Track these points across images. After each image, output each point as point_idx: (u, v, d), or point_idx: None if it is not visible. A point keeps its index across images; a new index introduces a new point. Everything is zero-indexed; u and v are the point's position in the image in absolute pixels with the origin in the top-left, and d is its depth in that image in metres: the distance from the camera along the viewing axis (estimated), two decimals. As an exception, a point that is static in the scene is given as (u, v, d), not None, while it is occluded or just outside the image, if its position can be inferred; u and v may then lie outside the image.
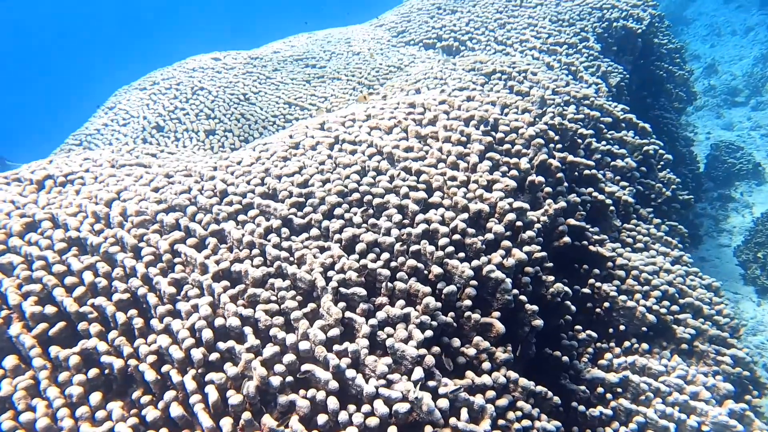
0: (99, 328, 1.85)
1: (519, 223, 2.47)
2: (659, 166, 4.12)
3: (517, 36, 5.09)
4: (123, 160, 2.84)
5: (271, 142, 2.90)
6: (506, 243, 2.33)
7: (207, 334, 1.79)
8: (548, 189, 2.78)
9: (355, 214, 2.31)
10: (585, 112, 3.74)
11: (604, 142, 3.70)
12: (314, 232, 2.23)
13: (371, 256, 2.15)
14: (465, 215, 2.34)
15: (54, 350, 1.80)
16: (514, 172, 2.70)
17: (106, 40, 39.00)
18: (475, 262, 2.22)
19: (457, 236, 2.28)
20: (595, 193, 3.29)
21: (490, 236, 2.33)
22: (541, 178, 2.70)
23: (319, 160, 2.62)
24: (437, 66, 4.16)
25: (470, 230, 2.30)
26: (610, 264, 2.96)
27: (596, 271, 2.92)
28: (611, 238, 3.32)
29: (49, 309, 1.88)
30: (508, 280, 2.22)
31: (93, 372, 1.76)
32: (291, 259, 2.10)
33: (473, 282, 2.17)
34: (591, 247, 2.93)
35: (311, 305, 1.96)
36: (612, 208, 3.30)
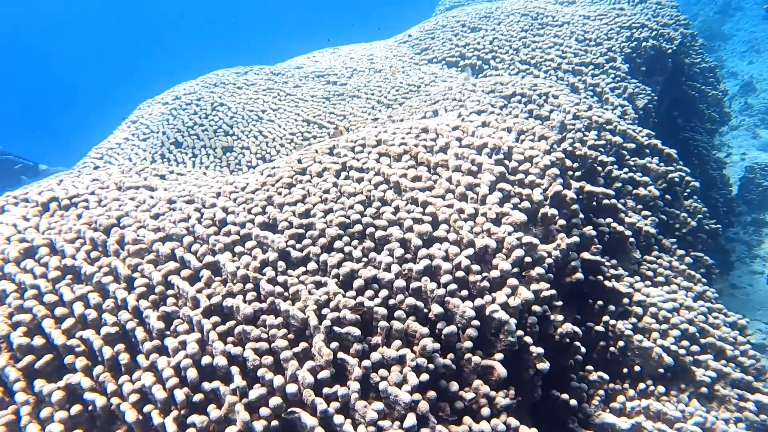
0: (85, 362, 1.82)
1: (528, 259, 2.37)
2: (685, 194, 3.96)
3: (542, 55, 4.98)
4: (130, 181, 2.83)
5: (279, 166, 2.86)
6: (512, 281, 2.23)
7: (192, 373, 1.74)
8: (562, 222, 2.67)
9: (355, 247, 2.24)
10: (607, 138, 3.62)
11: (626, 170, 3.57)
12: (312, 266, 2.17)
13: (369, 293, 2.08)
14: (470, 251, 2.25)
15: (38, 384, 1.77)
16: (525, 204, 2.60)
17: (143, 51, 39.96)
18: (478, 301, 2.13)
19: (460, 273, 2.19)
20: (614, 224, 3.17)
21: (495, 273, 2.23)
22: (554, 211, 2.60)
23: (324, 188, 2.56)
24: (456, 87, 4.08)
25: (475, 267, 2.21)
26: (626, 300, 2.83)
27: (611, 307, 2.79)
28: (630, 271, 3.19)
29: (38, 341, 1.85)
30: (512, 321, 2.12)
31: (76, 408, 1.72)
32: (285, 294, 2.04)
33: (475, 322, 2.08)
34: (606, 282, 2.81)
35: (303, 344, 1.90)
36: (632, 239, 3.17)
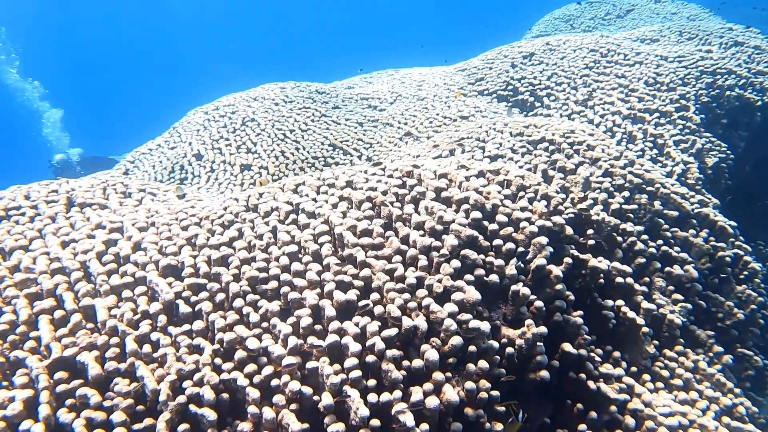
0: None
1: (472, 349, 1.95)
2: (741, 276, 3.31)
3: (601, 97, 4.43)
4: (83, 197, 2.67)
5: (237, 197, 2.60)
6: (438, 376, 1.83)
7: (-1, 443, 1.49)
8: (539, 303, 2.21)
9: (257, 310, 1.92)
10: (640, 202, 3.07)
11: (660, 242, 3.01)
12: (199, 324, 1.87)
13: (251, 367, 1.75)
14: (393, 331, 1.87)
15: None
16: (494, 278, 2.18)
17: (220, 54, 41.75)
18: (385, 396, 1.74)
19: (371, 358, 1.81)
20: (624, 309, 2.64)
21: (418, 363, 1.83)
22: (526, 291, 2.15)
23: (260, 232, 2.26)
24: (486, 125, 3.66)
25: (391, 352, 1.82)
26: (614, 407, 2.31)
27: (592, 414, 2.28)
28: (640, 367, 2.64)
29: None
30: (423, 428, 1.72)
31: None
32: (154, 356, 1.76)
33: (374, 423, 1.70)
34: (590, 383, 2.30)
35: (148, 421, 1.60)
36: (645, 329, 2.63)
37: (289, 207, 2.43)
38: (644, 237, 2.95)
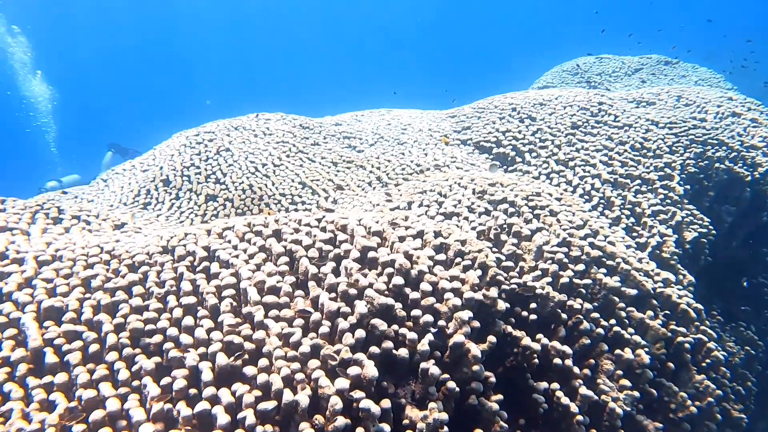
0: None
1: (359, 431, 1.78)
2: (703, 365, 3.10)
3: (584, 158, 4.28)
4: (7, 221, 2.57)
5: (161, 235, 2.48)
6: (310, 462, 1.66)
7: None
8: (451, 385, 2.04)
9: (129, 365, 1.78)
10: (596, 277, 2.89)
11: (614, 321, 2.82)
12: (62, 378, 1.73)
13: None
14: (270, 404, 1.71)
15: None
16: (403, 353, 2.02)
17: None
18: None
19: (239, 435, 1.65)
20: (558, 393, 2.45)
21: (290, 446, 1.67)
22: (435, 371, 1.98)
23: (165, 278, 2.13)
24: (452, 179, 3.53)
25: (262, 429, 1.66)
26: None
27: None
28: (570, 459, 2.44)
29: None
30: None
31: None
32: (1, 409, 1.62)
33: None
34: (500, 478, 2.11)
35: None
36: (579, 417, 2.43)
37: (204, 253, 2.30)
38: (594, 315, 2.77)
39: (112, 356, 1.78)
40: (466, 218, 3.09)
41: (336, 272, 2.26)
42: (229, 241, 2.41)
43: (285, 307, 2.06)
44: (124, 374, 1.74)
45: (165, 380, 1.76)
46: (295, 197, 4.22)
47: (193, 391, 1.76)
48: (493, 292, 2.32)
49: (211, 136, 4.92)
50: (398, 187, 3.89)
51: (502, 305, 2.33)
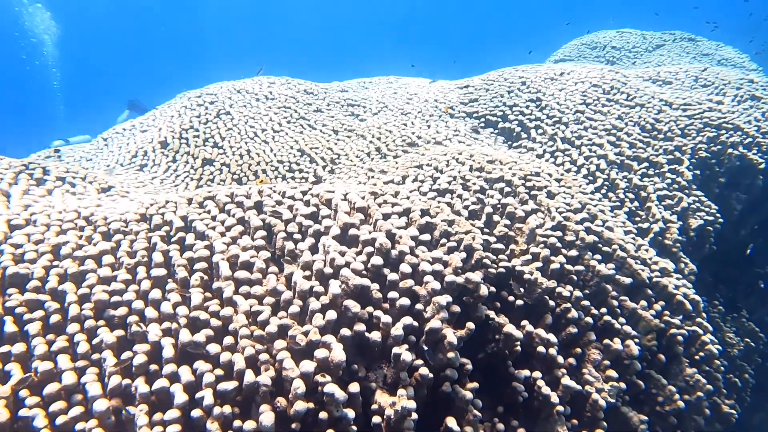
0: None
1: (322, 416, 1.74)
2: (696, 358, 3.03)
3: (591, 137, 4.14)
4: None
5: (145, 201, 2.41)
6: (268, 446, 1.62)
7: None
8: (424, 371, 1.99)
9: (88, 337, 1.73)
10: (589, 264, 2.80)
11: (605, 310, 2.74)
12: (20, 348, 1.69)
13: (58, 405, 1.57)
14: (230, 385, 1.67)
15: None
16: (375, 336, 1.96)
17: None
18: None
19: (198, 413, 1.61)
20: (540, 383, 2.39)
21: (249, 427, 1.63)
22: (408, 356, 1.92)
23: (137, 247, 2.08)
24: (451, 154, 3.42)
25: (219, 410, 1.62)
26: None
27: (469, 502, 2.04)
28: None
29: None
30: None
31: None
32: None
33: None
34: (472, 466, 2.06)
35: None
36: (559, 408, 2.37)
37: (181, 223, 2.24)
38: (585, 303, 2.69)
39: (73, 328, 1.74)
40: (459, 196, 3.00)
41: (314, 249, 2.20)
42: (209, 212, 2.35)
43: (257, 284, 2.01)
44: (83, 347, 1.70)
45: (126, 354, 1.71)
46: (292, 165, 4.14)
47: (154, 367, 1.72)
48: (477, 276, 2.24)
49: (213, 98, 4.83)
50: (396, 159, 3.79)
51: (484, 290, 2.26)
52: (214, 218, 2.30)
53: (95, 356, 1.72)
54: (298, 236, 2.24)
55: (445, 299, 2.06)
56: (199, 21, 41.74)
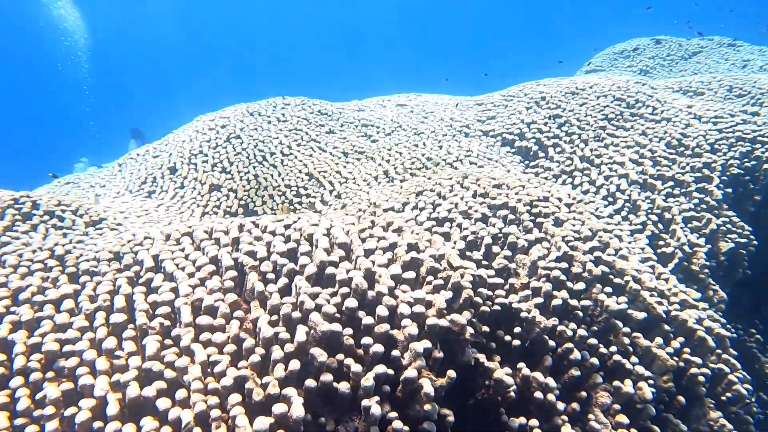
0: None
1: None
2: (723, 399, 2.77)
3: (611, 155, 3.91)
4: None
5: (123, 238, 2.34)
6: None
7: None
8: (397, 425, 1.83)
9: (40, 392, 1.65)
10: (597, 298, 2.59)
11: (614, 349, 2.52)
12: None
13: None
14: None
15: None
16: (344, 387, 1.81)
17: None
18: None
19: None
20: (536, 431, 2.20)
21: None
22: (376, 409, 1.77)
23: (100, 291, 1.99)
24: (455, 179, 3.27)
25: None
26: None
27: None
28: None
29: None
30: None
31: None
32: None
33: None
34: None
35: None
36: (558, 461, 2.17)
37: (152, 263, 2.15)
38: (592, 341, 2.48)
39: (16, 382, 1.66)
40: (459, 225, 2.83)
41: (286, 290, 2.07)
42: (183, 249, 2.26)
43: (219, 330, 1.89)
44: (24, 403, 1.61)
45: (69, 411, 1.62)
46: (300, 189, 4.05)
47: (98, 424, 1.62)
48: (462, 317, 2.08)
49: (225, 121, 4.79)
50: (402, 183, 3.65)
51: (470, 332, 2.09)
52: (187, 257, 2.20)
53: (37, 412, 1.63)
54: (271, 276, 2.12)
55: (422, 345, 1.90)
56: (251, 40, 42.65)
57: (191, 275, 2.08)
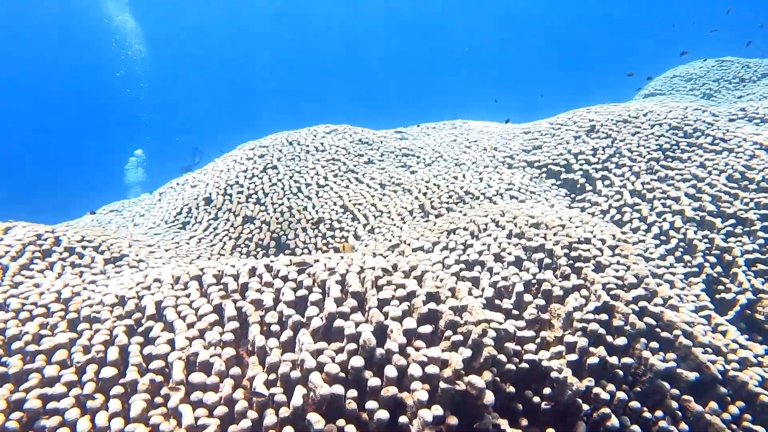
0: None
1: None
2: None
3: (665, 190, 3.62)
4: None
5: (124, 283, 2.27)
6: None
7: None
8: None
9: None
10: (640, 354, 2.33)
11: (660, 413, 2.25)
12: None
13: None
14: None
15: None
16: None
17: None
18: None
19: None
20: None
21: None
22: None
23: (97, 340, 1.91)
24: (492, 216, 3.07)
25: None
26: None
27: None
28: None
29: None
30: None
31: None
32: None
33: None
34: None
35: None
36: None
37: (153, 311, 2.06)
38: (634, 405, 2.22)
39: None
40: (490, 269, 2.63)
41: (289, 345, 1.93)
42: (188, 295, 2.15)
43: (212, 390, 1.76)
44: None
45: (45, 478, 1.52)
46: (334, 222, 3.93)
47: (73, 493, 1.51)
48: (480, 380, 1.87)
49: (263, 151, 4.75)
50: (437, 219, 3.47)
51: (490, 397, 1.88)
52: (191, 304, 2.09)
53: (13, 478, 1.53)
54: (276, 328, 1.99)
55: (430, 414, 1.71)
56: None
57: (191, 325, 1.97)
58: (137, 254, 2.96)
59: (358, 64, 45.16)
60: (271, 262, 2.40)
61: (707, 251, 3.28)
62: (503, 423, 2.00)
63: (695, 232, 3.36)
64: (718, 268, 3.23)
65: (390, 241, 3.28)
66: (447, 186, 3.93)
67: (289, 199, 4.15)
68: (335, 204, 4.08)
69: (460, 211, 3.46)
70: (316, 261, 2.42)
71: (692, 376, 2.34)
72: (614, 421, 2.12)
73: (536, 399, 2.15)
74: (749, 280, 3.15)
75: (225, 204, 4.20)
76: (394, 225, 3.65)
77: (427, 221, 3.51)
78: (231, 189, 4.32)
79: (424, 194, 3.92)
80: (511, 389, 2.13)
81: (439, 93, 40.05)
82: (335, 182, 4.31)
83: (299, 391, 1.71)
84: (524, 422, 2.09)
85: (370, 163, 4.64)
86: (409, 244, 3.04)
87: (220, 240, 3.90)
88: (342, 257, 2.55)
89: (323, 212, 3.99)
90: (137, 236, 3.63)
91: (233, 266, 2.32)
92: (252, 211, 4.10)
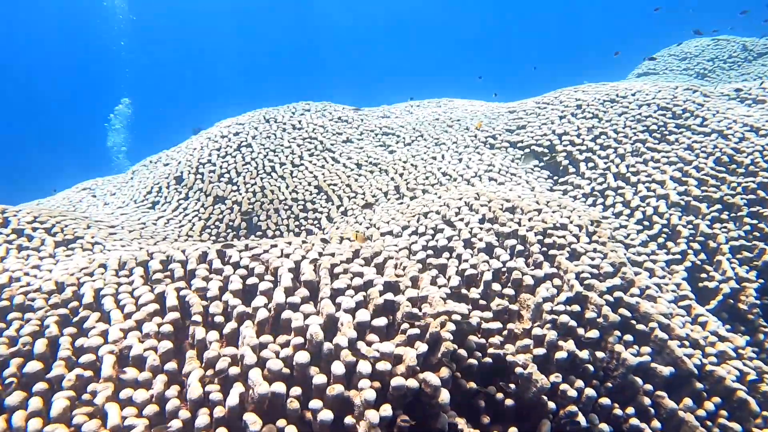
0: None
1: None
2: (767, 471, 2.33)
3: (650, 173, 3.48)
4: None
5: (77, 263, 2.14)
6: None
7: None
8: None
9: None
10: (612, 348, 2.21)
11: (632, 410, 2.14)
12: None
13: None
14: None
15: None
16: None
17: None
18: None
19: None
20: None
21: None
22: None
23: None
24: (466, 198, 2.93)
25: None
26: None
27: None
28: None
29: None
30: None
31: None
32: None
33: None
34: None
35: None
36: None
37: (91, 299, 1.92)
38: (603, 401, 2.10)
39: None
40: (459, 256, 2.50)
41: (232, 338, 1.80)
42: (131, 283, 2.02)
43: (143, 387, 1.64)
44: None
45: (-49, 484, 1.39)
46: (307, 203, 3.79)
47: (-18, 501, 1.39)
48: (436, 378, 1.75)
49: (239, 128, 4.58)
50: (411, 202, 3.33)
51: (445, 396, 1.76)
52: (132, 292, 1.96)
53: None
54: (220, 319, 1.86)
55: (377, 416, 1.60)
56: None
57: (128, 316, 1.84)
58: (93, 236, 2.82)
59: (356, 42, 44.53)
60: (227, 246, 2.26)
61: (691, 237, 3.16)
62: (461, 422, 1.88)
63: (679, 218, 3.23)
64: (702, 255, 3.11)
65: (360, 224, 3.15)
66: (424, 167, 3.78)
67: (262, 178, 4.00)
68: (309, 184, 3.93)
69: (435, 194, 3.32)
70: (273, 246, 2.29)
71: (667, 371, 2.23)
72: (581, 418, 2.01)
73: (500, 395, 2.04)
74: (733, 269, 3.03)
75: (196, 183, 4.05)
76: (364, 211, 3.50)
77: (401, 204, 3.37)
78: (203, 168, 4.17)
79: (401, 175, 3.77)
80: (473, 385, 2.01)
81: (433, 71, 39.60)
82: (311, 161, 4.15)
83: (236, 389, 1.59)
84: (486, 420, 1.98)
85: (349, 142, 4.48)
86: (378, 228, 2.90)
87: (189, 221, 3.75)
88: (303, 242, 2.41)
89: (297, 193, 3.84)
90: (101, 216, 3.49)
91: (183, 251, 2.18)
92: (224, 190, 3.96)
